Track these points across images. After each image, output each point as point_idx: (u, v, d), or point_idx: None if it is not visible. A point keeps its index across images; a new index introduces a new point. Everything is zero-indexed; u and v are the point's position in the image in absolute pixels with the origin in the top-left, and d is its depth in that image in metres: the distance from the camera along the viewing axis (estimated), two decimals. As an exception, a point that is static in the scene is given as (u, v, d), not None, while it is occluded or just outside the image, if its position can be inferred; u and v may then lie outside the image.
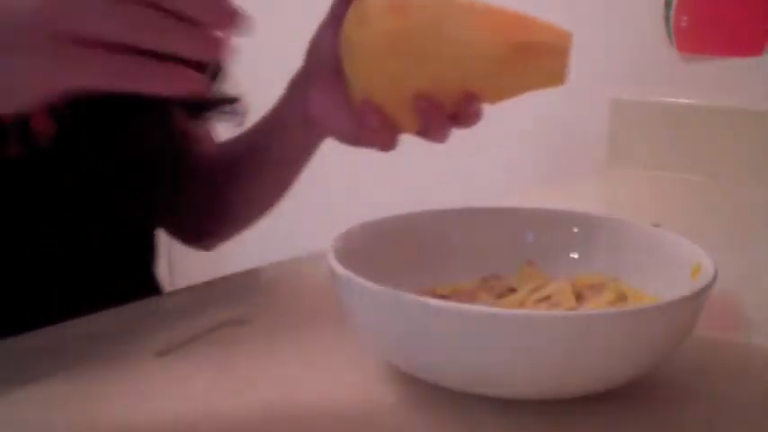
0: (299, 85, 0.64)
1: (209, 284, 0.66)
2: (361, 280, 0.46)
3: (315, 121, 0.62)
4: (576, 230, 0.59)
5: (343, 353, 0.53)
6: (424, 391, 0.47)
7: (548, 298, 0.55)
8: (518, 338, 0.42)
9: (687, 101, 1.13)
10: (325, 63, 0.59)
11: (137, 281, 0.73)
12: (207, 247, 0.83)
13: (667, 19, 1.13)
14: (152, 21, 0.41)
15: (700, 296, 0.45)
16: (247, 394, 0.48)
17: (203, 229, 0.81)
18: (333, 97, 0.59)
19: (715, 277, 0.46)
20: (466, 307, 0.43)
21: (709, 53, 1.11)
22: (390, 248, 0.57)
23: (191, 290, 0.65)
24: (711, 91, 1.11)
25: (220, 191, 0.76)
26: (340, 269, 0.47)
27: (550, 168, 1.18)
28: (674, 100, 1.14)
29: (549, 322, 0.42)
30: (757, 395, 0.49)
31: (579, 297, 0.55)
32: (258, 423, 0.45)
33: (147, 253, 0.75)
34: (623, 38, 1.18)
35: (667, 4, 1.13)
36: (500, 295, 0.56)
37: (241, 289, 0.64)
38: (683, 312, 0.44)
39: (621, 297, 0.54)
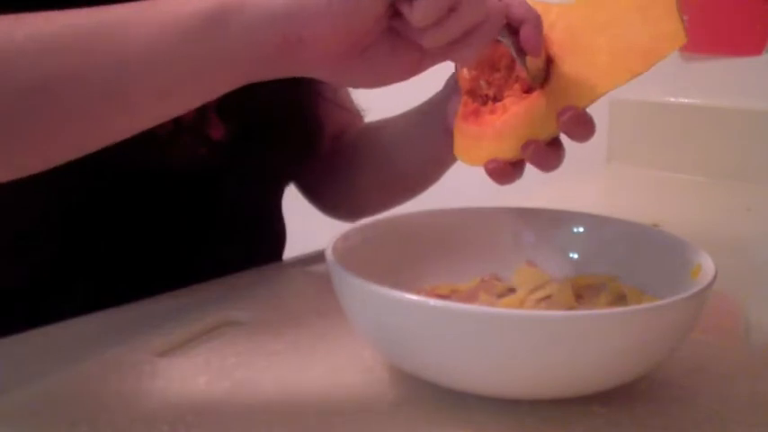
0: (443, 96, 0.66)
1: (208, 284, 0.66)
2: (360, 280, 0.46)
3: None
4: (575, 230, 0.59)
5: (343, 353, 0.53)
6: (424, 391, 0.47)
7: (548, 298, 0.55)
8: (518, 338, 0.42)
9: (687, 101, 1.13)
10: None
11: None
12: (346, 219, 0.85)
13: (667, 19, 1.13)
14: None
15: (700, 296, 0.45)
16: (247, 394, 0.48)
17: (339, 202, 0.84)
18: None
19: (715, 277, 0.46)
20: (466, 307, 0.43)
21: (710, 53, 1.11)
22: (390, 248, 0.57)
23: (190, 290, 0.65)
24: (711, 91, 1.11)
25: (354, 169, 0.79)
26: (340, 269, 0.47)
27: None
28: (674, 100, 1.14)
29: (549, 322, 0.42)
30: (757, 395, 0.49)
31: (579, 297, 0.55)
32: (258, 423, 0.45)
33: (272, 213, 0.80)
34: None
35: (667, 4, 1.12)
36: (500, 295, 0.56)
37: (240, 289, 0.64)
38: (683, 312, 0.44)
39: (621, 297, 0.54)
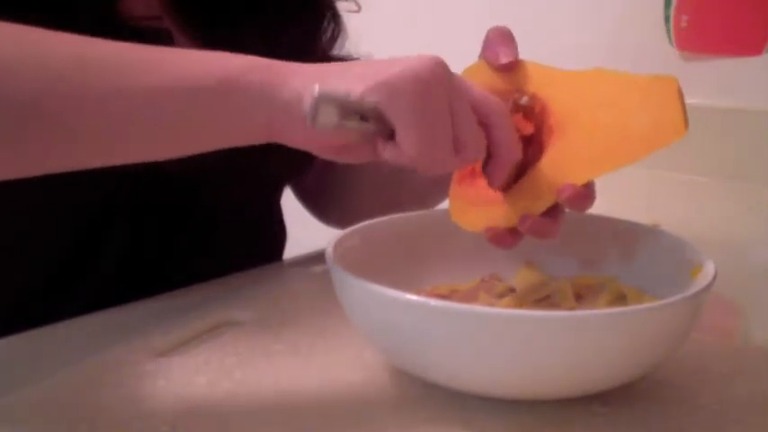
0: None
1: (208, 284, 0.66)
2: (360, 280, 0.46)
3: None
4: (575, 230, 0.59)
5: (343, 353, 0.53)
6: (424, 390, 0.47)
7: (547, 298, 0.55)
8: (518, 338, 0.42)
9: (687, 101, 1.13)
10: None
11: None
12: (338, 227, 0.84)
13: (667, 19, 1.13)
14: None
15: (699, 296, 0.45)
16: (247, 394, 0.48)
17: (335, 212, 0.85)
18: None
19: (714, 278, 0.46)
20: (466, 307, 0.43)
21: (710, 53, 1.11)
22: (390, 249, 0.57)
23: (190, 290, 0.65)
24: (711, 91, 1.11)
25: (352, 185, 0.80)
26: (340, 269, 0.47)
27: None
28: (673, 100, 1.14)
29: (549, 322, 0.42)
30: (756, 395, 0.49)
31: (579, 297, 0.55)
32: (258, 423, 0.45)
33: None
34: (623, 38, 1.18)
35: (667, 4, 1.13)
36: (500, 295, 0.56)
37: (240, 289, 0.64)
38: (682, 312, 0.44)
39: (621, 297, 0.54)
